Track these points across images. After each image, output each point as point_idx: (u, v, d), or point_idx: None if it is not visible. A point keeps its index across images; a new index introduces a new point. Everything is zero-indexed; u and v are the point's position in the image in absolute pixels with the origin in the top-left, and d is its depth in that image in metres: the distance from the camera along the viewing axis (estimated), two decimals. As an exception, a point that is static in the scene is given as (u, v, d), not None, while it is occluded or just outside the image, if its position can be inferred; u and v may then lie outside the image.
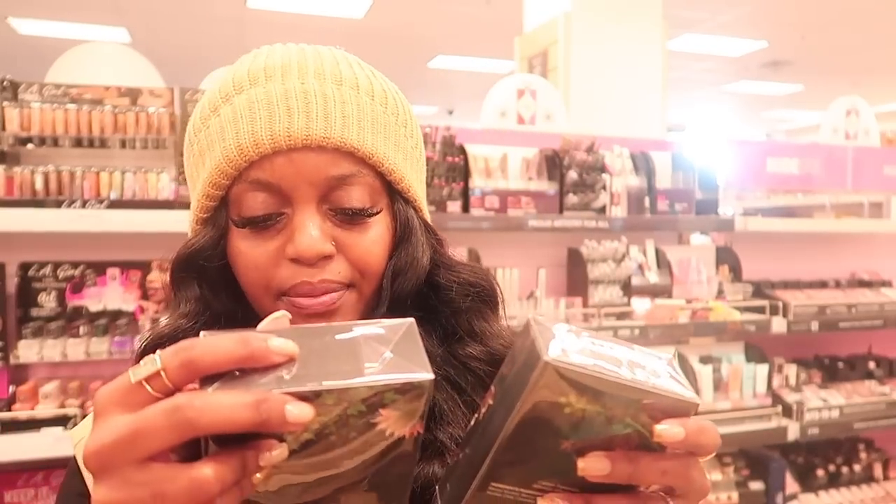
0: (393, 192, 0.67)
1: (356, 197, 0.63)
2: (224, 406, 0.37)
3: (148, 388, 0.39)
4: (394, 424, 0.42)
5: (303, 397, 0.38)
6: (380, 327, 0.43)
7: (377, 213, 0.65)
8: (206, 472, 0.38)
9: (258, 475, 0.40)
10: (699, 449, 0.44)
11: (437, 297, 0.69)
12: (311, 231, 0.61)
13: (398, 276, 0.66)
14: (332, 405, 0.39)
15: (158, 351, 0.40)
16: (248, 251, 0.63)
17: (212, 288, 0.65)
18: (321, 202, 0.62)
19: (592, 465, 0.42)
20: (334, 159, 0.61)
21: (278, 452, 0.40)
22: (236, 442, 0.39)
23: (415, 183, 0.69)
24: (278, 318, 0.47)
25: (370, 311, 0.66)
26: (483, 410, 0.47)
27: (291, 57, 0.64)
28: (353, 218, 0.63)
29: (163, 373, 0.39)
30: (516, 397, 0.42)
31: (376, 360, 0.41)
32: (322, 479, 0.43)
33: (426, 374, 0.41)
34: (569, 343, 0.42)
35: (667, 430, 0.42)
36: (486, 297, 0.71)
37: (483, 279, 0.71)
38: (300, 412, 0.38)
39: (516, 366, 0.44)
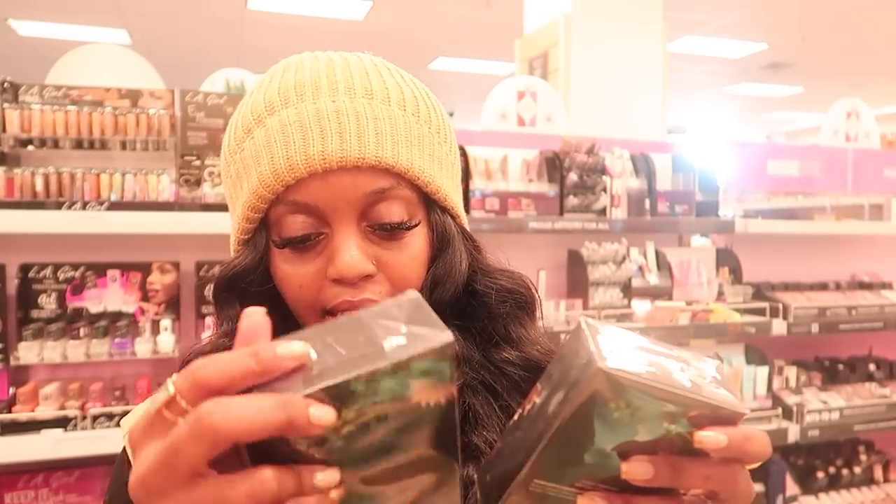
0: (430, 202, 0.67)
1: (394, 211, 0.63)
2: (247, 408, 0.37)
3: (167, 413, 0.39)
4: (428, 395, 0.41)
5: (331, 394, 0.38)
6: (386, 306, 0.42)
7: (416, 225, 0.65)
8: (266, 473, 0.38)
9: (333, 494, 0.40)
10: (745, 456, 0.43)
11: (474, 302, 0.69)
12: (352, 251, 0.61)
13: (437, 287, 0.66)
14: (364, 393, 0.39)
15: (173, 374, 0.40)
16: (292, 272, 0.63)
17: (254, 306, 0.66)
18: (360, 219, 0.63)
19: (636, 469, 0.42)
20: (370, 177, 0.62)
21: (330, 474, 0.40)
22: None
23: (451, 191, 0.69)
24: (251, 315, 0.43)
25: None
26: (528, 407, 0.48)
27: (321, 71, 0.64)
28: (392, 233, 0.64)
29: (178, 396, 0.39)
30: (565, 398, 0.42)
31: (393, 336, 0.40)
32: (379, 472, 0.43)
33: (447, 336, 0.40)
34: (620, 348, 0.42)
35: (709, 437, 0.42)
36: (523, 303, 0.71)
37: (521, 286, 0.71)
38: (324, 414, 0.37)
39: (565, 366, 0.44)
